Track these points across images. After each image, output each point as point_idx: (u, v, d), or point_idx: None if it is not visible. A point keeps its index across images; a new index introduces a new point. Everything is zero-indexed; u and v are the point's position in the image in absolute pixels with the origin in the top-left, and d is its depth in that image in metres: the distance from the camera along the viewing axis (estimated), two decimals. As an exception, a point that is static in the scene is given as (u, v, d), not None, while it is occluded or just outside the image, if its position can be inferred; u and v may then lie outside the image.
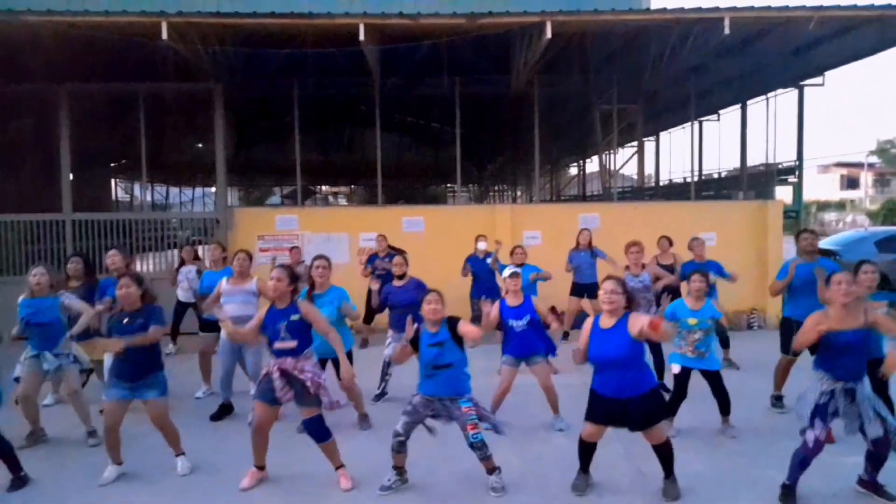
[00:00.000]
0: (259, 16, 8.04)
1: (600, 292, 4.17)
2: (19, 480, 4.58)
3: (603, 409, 4.16)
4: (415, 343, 4.40)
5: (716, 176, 15.27)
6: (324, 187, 38.85)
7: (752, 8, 8.22)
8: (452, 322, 4.38)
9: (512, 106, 13.09)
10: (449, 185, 32.64)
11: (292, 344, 4.39)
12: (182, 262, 8.51)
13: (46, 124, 10.58)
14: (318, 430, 4.49)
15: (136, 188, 27.19)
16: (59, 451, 5.31)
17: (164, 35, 7.77)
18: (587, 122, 13.79)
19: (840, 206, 47.32)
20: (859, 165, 53.22)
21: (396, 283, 6.40)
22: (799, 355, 5.66)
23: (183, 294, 8.51)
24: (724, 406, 5.36)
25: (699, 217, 10.50)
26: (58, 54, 8.69)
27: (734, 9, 8.13)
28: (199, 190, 28.71)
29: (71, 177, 16.36)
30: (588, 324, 4.28)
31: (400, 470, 4.46)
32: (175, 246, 11.40)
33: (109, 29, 8.00)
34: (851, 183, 53.95)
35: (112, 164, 21.19)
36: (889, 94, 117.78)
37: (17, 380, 5.45)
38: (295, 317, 4.44)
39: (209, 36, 8.51)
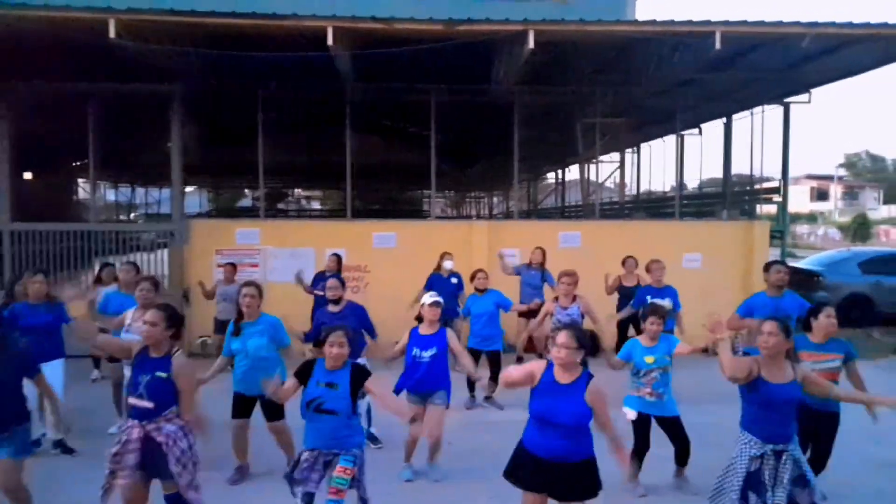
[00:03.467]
0: (219, 15, 7.40)
1: (553, 346, 3.57)
2: None
3: (531, 471, 3.56)
4: (302, 374, 3.83)
5: (696, 189, 14.97)
6: (297, 190, 37.87)
7: (745, 22, 7.82)
8: (358, 373, 3.84)
9: (492, 113, 12.59)
10: (425, 190, 32.09)
11: (148, 405, 3.63)
12: (99, 281, 7.72)
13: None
14: None
15: (101, 189, 26.31)
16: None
17: (112, 33, 7.09)
18: (569, 133, 13.34)
19: (811, 218, 48.01)
20: (829, 178, 54.14)
21: (331, 307, 5.70)
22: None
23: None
24: (683, 454, 4.87)
25: (684, 237, 10.13)
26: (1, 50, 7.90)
27: (727, 23, 7.73)
28: (167, 191, 27.69)
29: (29, 175, 15.38)
30: (539, 367, 3.64)
31: None
32: (138, 249, 10.65)
33: (54, 25, 7.27)
34: (821, 195, 54.83)
35: (74, 164, 20.26)
36: (857, 108, 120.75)
37: None
38: (161, 374, 3.66)
39: (166, 35, 7.80)
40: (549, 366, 3.61)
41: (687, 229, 10.59)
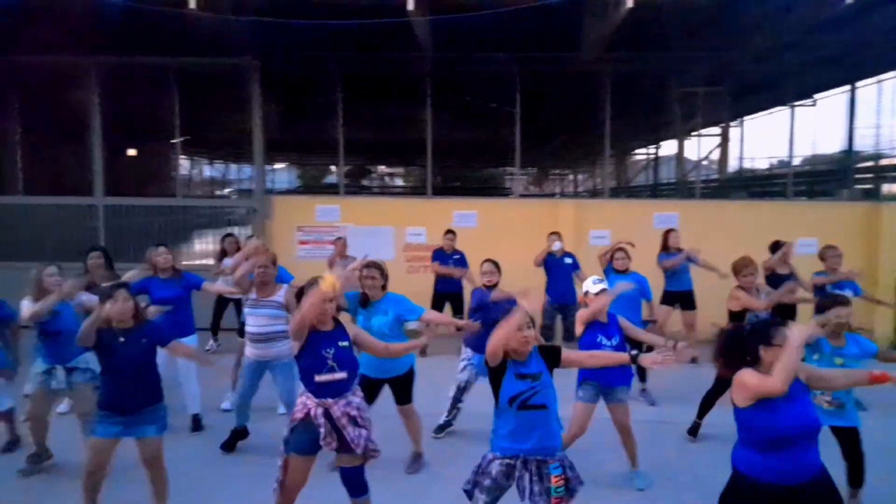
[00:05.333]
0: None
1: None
2: None
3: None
4: (494, 373, 3.26)
5: (808, 168, 13.56)
6: (380, 167, 38.07)
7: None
8: (550, 353, 3.31)
9: (577, 84, 11.80)
10: (505, 167, 31.33)
11: (342, 375, 3.57)
12: (224, 254, 7.76)
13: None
14: (358, 483, 3.64)
15: (198, 166, 27.48)
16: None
17: (193, 3, 7.00)
18: (663, 105, 12.34)
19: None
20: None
21: (493, 292, 5.40)
22: None
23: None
24: (856, 474, 4.10)
25: (797, 219, 9.08)
26: (85, 25, 8.02)
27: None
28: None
29: (134, 152, 16.02)
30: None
31: None
32: (231, 224, 10.82)
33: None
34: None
35: (171, 142, 21.07)
36: None
37: (27, 396, 4.86)
38: (344, 343, 3.61)
39: (242, 4, 7.65)
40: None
41: (800, 210, 9.51)
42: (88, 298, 4.79)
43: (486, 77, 10.79)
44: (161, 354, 4.13)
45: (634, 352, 3.55)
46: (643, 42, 9.30)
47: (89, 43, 8.65)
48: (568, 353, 3.37)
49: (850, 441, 4.09)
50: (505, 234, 8.74)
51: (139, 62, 9.37)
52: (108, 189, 9.55)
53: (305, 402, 3.59)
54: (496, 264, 5.59)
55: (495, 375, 3.23)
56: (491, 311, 5.06)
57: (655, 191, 18.66)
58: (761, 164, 17.24)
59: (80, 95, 9.46)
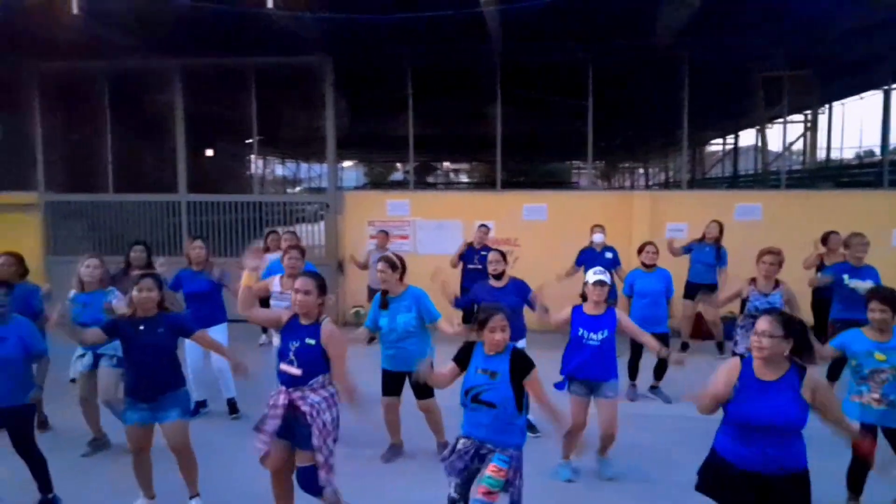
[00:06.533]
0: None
1: (752, 336, 2.95)
2: (47, 503, 4.12)
3: (733, 486, 2.99)
4: (462, 358, 3.47)
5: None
6: (445, 163, 38.17)
7: None
8: (520, 362, 3.36)
9: (650, 72, 11.38)
10: (573, 161, 30.73)
11: (297, 371, 3.56)
12: (267, 250, 7.98)
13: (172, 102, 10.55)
14: (309, 486, 3.59)
15: (273, 164, 28.36)
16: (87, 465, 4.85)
17: (270, 3, 7.18)
18: (743, 91, 11.74)
19: None
20: None
21: (493, 282, 5.33)
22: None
23: None
24: None
25: (891, 209, 8.45)
26: (167, 28, 8.38)
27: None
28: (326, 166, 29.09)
29: (211, 152, 16.71)
30: (733, 367, 3.04)
31: None
32: (303, 220, 11.14)
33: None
34: None
35: (248, 141, 21.83)
36: None
37: (73, 380, 5.12)
38: (310, 341, 3.58)
39: (314, 2, 7.80)
40: (747, 361, 3.01)
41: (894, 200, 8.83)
42: (117, 301, 4.92)
43: (557, 68, 10.58)
44: (196, 347, 4.16)
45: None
46: (723, 27, 8.86)
47: (172, 45, 9.03)
48: (532, 382, 3.37)
49: None
50: (576, 227, 8.55)
51: (218, 63, 9.71)
52: (189, 187, 9.99)
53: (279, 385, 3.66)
54: (503, 254, 5.45)
55: (461, 365, 3.47)
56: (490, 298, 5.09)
57: (734, 182, 17.82)
58: (849, 153, 16.16)
59: (165, 97, 9.91)
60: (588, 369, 4.43)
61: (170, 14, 7.58)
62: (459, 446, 3.41)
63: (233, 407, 5.84)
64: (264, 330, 8.36)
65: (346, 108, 13.47)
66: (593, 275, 4.55)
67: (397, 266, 4.75)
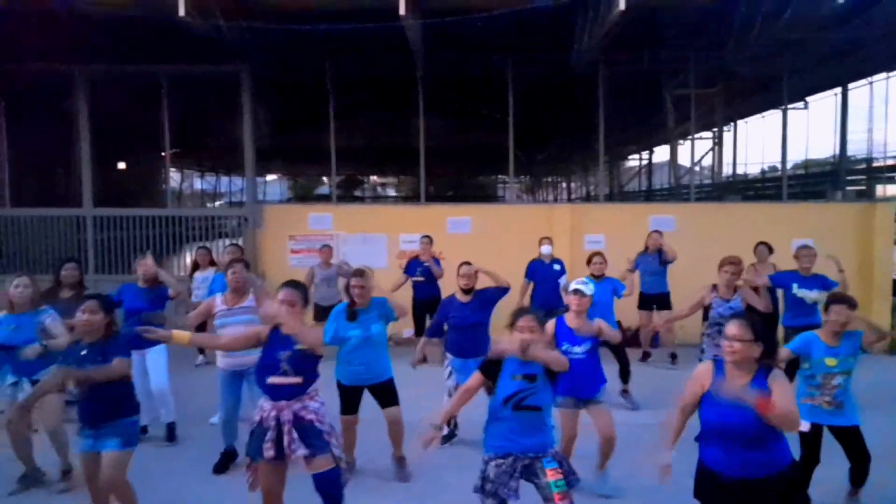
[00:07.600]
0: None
1: (724, 341, 2.98)
2: None
3: (719, 494, 2.98)
4: (489, 370, 3.33)
5: (803, 172, 13.58)
6: (373, 177, 37.99)
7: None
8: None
9: (569, 88, 11.76)
10: (498, 175, 31.32)
11: (297, 380, 3.48)
12: (196, 266, 7.66)
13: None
14: (333, 490, 3.51)
15: (191, 177, 27.29)
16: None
17: (182, 10, 6.91)
18: (656, 108, 12.31)
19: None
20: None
21: (461, 297, 5.31)
22: None
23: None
24: (861, 472, 4.02)
25: (793, 220, 9.05)
26: (72, 34, 7.92)
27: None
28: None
29: (124, 165, 15.86)
30: (705, 371, 3.08)
31: None
32: (223, 235, 10.68)
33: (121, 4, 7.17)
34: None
35: (162, 154, 20.88)
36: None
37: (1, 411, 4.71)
38: (301, 346, 3.50)
39: (232, 11, 7.57)
40: (718, 365, 3.04)
41: (796, 212, 9.46)
42: (52, 321, 4.61)
43: (478, 82, 10.75)
44: (135, 366, 3.96)
45: None
46: (637, 44, 9.28)
47: (77, 51, 8.54)
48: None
49: (852, 440, 4.01)
50: (499, 240, 8.65)
51: (128, 71, 9.25)
52: (97, 201, 9.42)
53: (263, 404, 3.55)
54: (475, 269, 5.42)
55: (492, 373, 3.31)
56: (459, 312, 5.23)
57: (650, 195, 18.65)
58: (754, 168, 17.24)
59: (68, 105, 9.34)
60: (578, 389, 4.33)
61: (67, 16, 7.17)
62: (497, 468, 3.24)
63: (171, 433, 5.51)
64: (201, 350, 7.95)
65: (269, 120, 13.15)
66: (574, 284, 4.51)
67: (371, 279, 4.70)
